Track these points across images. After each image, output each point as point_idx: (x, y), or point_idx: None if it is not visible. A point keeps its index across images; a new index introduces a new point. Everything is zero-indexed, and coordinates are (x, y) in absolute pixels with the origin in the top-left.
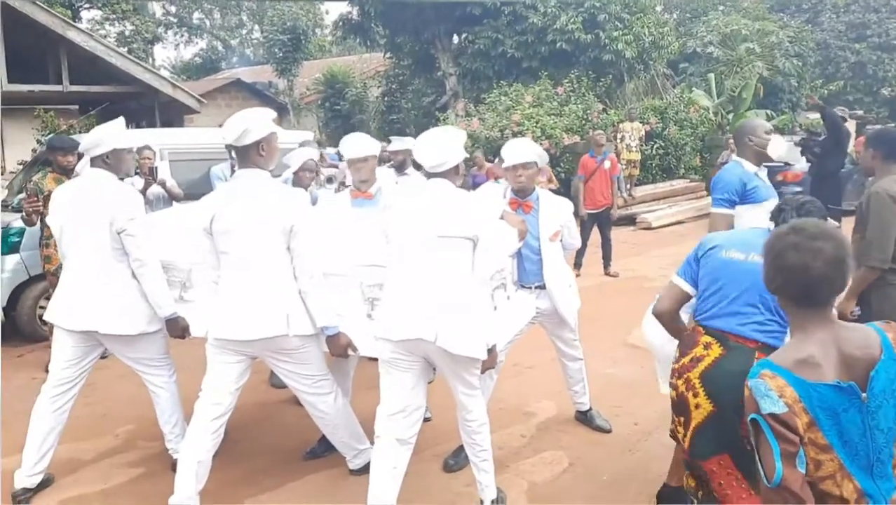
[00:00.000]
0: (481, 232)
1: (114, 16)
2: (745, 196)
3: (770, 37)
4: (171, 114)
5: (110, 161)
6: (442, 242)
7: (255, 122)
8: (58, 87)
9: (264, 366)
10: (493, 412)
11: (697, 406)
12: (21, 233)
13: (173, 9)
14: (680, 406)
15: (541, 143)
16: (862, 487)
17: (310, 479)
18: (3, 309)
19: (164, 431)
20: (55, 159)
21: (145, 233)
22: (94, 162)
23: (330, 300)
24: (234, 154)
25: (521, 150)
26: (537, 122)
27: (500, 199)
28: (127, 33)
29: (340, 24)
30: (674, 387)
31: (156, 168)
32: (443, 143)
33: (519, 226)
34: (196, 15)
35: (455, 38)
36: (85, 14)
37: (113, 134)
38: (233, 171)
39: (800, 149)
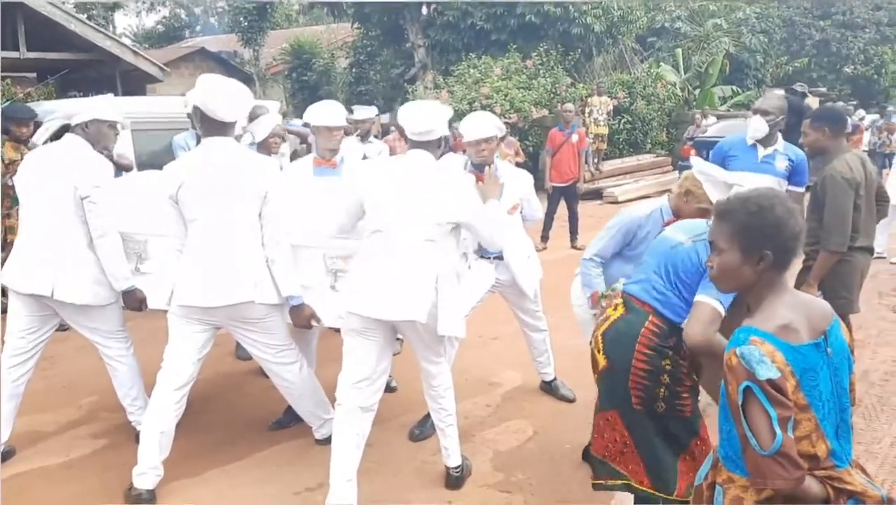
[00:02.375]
0: (469, 217)
1: None
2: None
3: (737, 13)
4: (133, 83)
5: (89, 130)
6: (423, 225)
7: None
8: (14, 54)
9: (229, 339)
10: (457, 383)
11: (597, 362)
12: None
13: None
14: (592, 362)
15: (509, 117)
16: (831, 447)
17: (276, 449)
18: None
19: (125, 405)
20: (10, 129)
21: (108, 202)
22: (74, 130)
23: (294, 270)
24: (195, 124)
25: (482, 125)
26: (506, 96)
27: (463, 171)
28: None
29: None
30: (590, 344)
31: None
32: (431, 111)
33: (494, 190)
34: None
35: (424, 10)
36: None
37: (96, 105)
38: (197, 142)
39: None
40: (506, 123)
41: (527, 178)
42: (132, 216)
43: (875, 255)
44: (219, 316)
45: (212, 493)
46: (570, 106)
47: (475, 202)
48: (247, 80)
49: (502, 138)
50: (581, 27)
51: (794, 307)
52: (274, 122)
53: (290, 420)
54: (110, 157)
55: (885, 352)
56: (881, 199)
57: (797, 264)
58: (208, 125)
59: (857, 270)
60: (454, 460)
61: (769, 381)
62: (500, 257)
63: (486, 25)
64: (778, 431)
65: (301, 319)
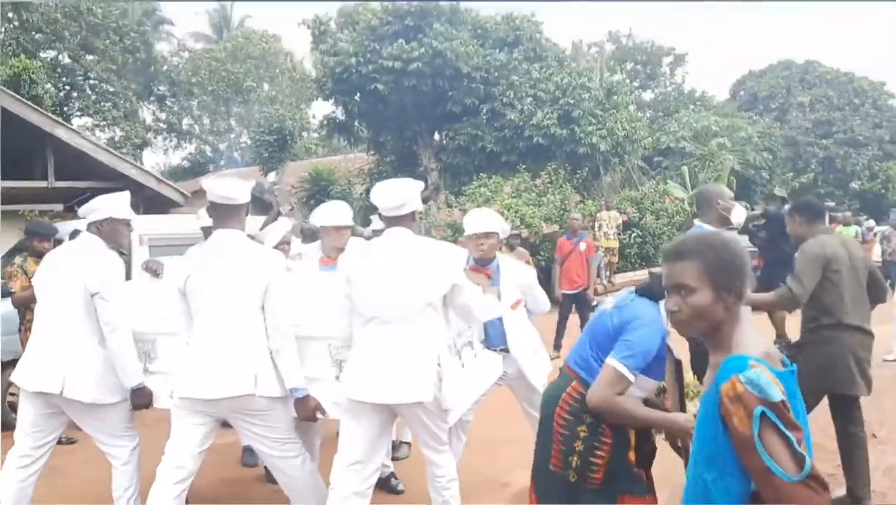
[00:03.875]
0: (455, 281)
1: (104, 122)
2: None
3: (740, 132)
4: (156, 209)
5: (104, 228)
6: (413, 305)
7: (238, 185)
8: (42, 184)
9: (235, 447)
10: (467, 483)
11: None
12: None
13: (163, 115)
14: None
15: (520, 232)
16: None
17: None
18: None
19: (116, 500)
20: (31, 245)
21: (119, 300)
22: (89, 228)
23: (299, 362)
24: (210, 214)
25: (483, 220)
26: (516, 212)
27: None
28: (117, 139)
29: (325, 122)
30: None
31: None
32: (401, 187)
33: (481, 282)
34: (185, 121)
35: (436, 136)
36: (76, 121)
37: (112, 203)
38: None
39: (746, 236)
40: (516, 237)
41: (529, 271)
42: (140, 316)
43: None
44: (220, 408)
45: None
46: (576, 214)
47: (459, 267)
48: (267, 207)
49: (511, 248)
50: (587, 147)
51: (763, 336)
52: (284, 229)
53: None
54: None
55: None
56: (876, 284)
57: None
58: (219, 213)
59: (845, 347)
60: None
61: (783, 402)
62: (506, 350)
63: (495, 148)
64: (802, 452)
65: (306, 411)
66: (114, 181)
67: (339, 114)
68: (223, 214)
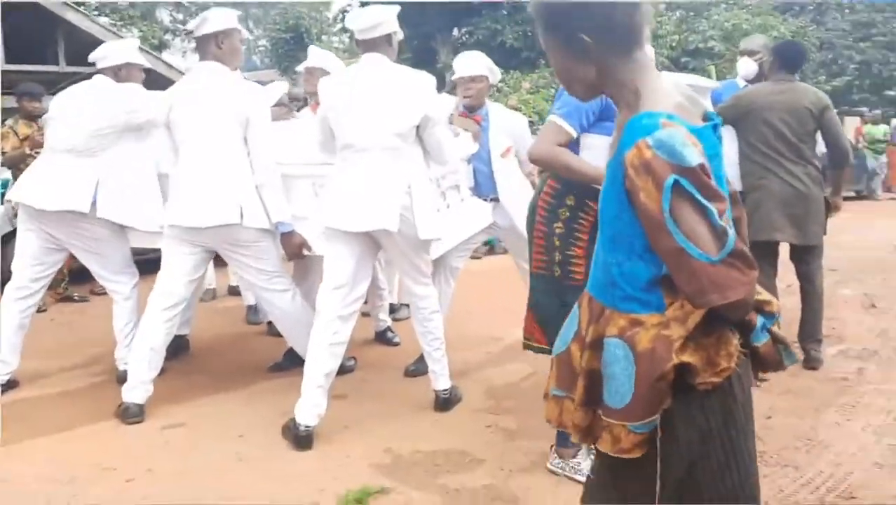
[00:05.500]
0: (430, 113)
1: (121, 22)
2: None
3: (772, 31)
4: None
5: (121, 74)
6: (386, 133)
7: (214, 13)
8: (54, 68)
9: (240, 309)
10: (460, 336)
11: None
12: (5, 184)
13: (181, 16)
14: None
15: (537, 127)
16: None
17: (270, 384)
18: None
19: (118, 339)
20: (22, 105)
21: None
22: (105, 73)
23: (284, 197)
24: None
25: (471, 63)
26: (533, 108)
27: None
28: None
29: (341, 16)
30: None
31: None
32: (376, 8)
33: (471, 128)
34: None
35: (455, 31)
36: None
37: (125, 47)
38: None
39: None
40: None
41: (521, 120)
42: None
43: None
44: (209, 238)
45: (199, 413)
46: None
47: (433, 98)
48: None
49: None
50: None
51: (676, 87)
52: (281, 90)
53: (289, 364)
54: None
55: None
56: (835, 149)
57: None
58: (199, 46)
59: (767, 193)
60: (442, 384)
61: (701, 167)
62: (496, 199)
63: (515, 44)
64: (724, 225)
65: (291, 247)
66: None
67: (356, 6)
68: (202, 45)
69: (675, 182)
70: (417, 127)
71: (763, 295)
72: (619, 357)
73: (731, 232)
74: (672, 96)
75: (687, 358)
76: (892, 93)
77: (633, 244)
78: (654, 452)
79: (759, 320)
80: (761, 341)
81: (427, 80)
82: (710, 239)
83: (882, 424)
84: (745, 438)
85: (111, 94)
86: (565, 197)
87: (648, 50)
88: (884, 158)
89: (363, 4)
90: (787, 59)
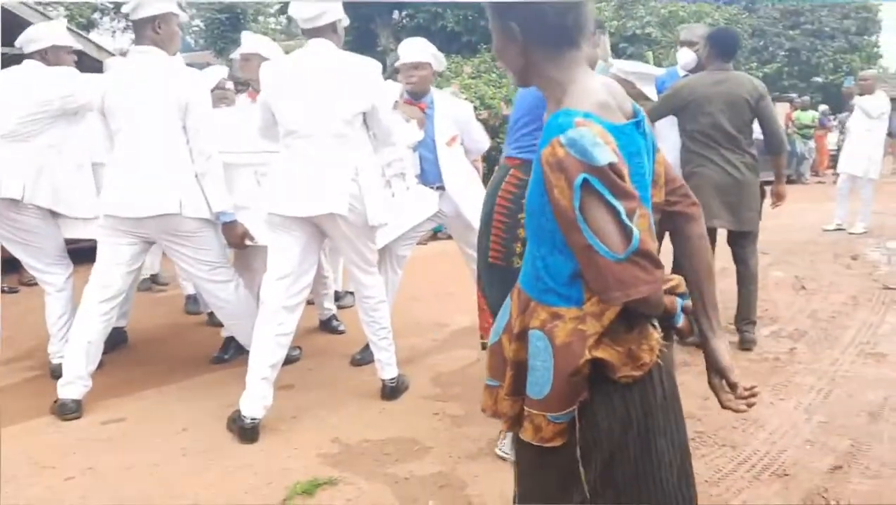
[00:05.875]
0: (375, 100)
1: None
2: None
3: (706, 19)
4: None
5: (49, 57)
6: (333, 120)
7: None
8: None
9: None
10: (407, 324)
11: None
12: None
13: None
14: None
15: (479, 114)
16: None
17: (213, 376)
18: None
19: (51, 333)
20: None
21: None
22: (32, 56)
23: (225, 187)
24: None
25: (415, 50)
26: (475, 93)
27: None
28: (61, 17)
29: (279, 5)
30: None
31: None
32: None
33: (415, 115)
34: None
35: (395, 14)
36: None
37: (51, 30)
38: None
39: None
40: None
41: (466, 107)
42: None
43: (835, 227)
44: (147, 229)
45: (141, 407)
46: None
47: (379, 85)
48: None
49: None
50: None
51: (604, 86)
52: (219, 75)
53: (231, 354)
54: None
55: (833, 297)
56: (771, 137)
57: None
58: (135, 29)
59: (705, 180)
60: (389, 373)
61: (611, 166)
62: (442, 187)
63: (456, 28)
64: (631, 225)
65: (233, 236)
66: None
67: None
68: (139, 29)
69: (585, 180)
70: (364, 114)
71: (674, 280)
72: (541, 349)
73: (636, 231)
74: (596, 94)
75: (601, 354)
76: (819, 79)
77: (555, 239)
78: (574, 440)
79: (678, 303)
80: (682, 322)
81: (373, 66)
82: (617, 237)
83: (812, 402)
84: (663, 434)
85: (44, 79)
86: None
87: (603, 41)
88: (812, 143)
89: None
90: (722, 47)
